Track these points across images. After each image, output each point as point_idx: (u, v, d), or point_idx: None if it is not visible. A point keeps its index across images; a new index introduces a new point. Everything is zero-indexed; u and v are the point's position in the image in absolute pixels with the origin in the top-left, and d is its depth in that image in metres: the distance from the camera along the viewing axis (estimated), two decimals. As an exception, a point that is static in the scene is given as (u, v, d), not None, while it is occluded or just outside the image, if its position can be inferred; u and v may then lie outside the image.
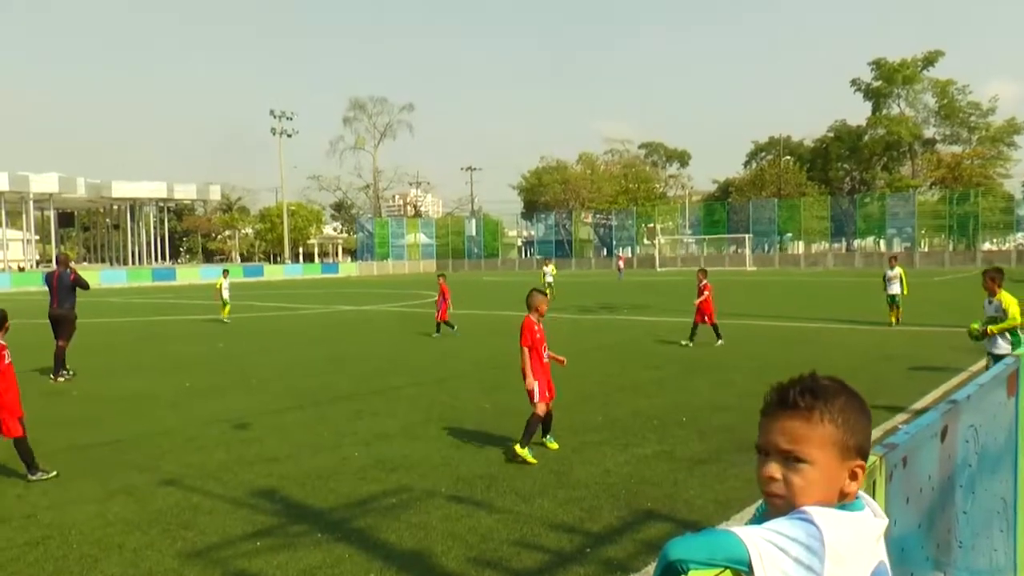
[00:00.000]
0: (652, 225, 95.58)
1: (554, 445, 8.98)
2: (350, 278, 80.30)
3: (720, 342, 17.88)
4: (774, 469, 1.71)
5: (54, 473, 8.45)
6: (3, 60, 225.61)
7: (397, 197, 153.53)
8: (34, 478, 8.33)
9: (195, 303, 40.23)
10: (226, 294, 27.96)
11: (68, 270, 15.94)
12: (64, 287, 15.70)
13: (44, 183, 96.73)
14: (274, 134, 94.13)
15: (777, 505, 1.70)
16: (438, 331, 21.51)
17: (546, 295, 9.21)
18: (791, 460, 1.70)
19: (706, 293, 18.40)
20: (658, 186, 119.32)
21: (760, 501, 2.02)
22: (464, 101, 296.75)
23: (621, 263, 65.15)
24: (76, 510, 7.32)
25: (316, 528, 6.59)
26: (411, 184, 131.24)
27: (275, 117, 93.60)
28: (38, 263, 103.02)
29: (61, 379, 15.20)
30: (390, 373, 15.28)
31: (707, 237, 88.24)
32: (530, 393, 8.72)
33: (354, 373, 15.43)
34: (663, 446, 9.01)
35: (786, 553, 1.55)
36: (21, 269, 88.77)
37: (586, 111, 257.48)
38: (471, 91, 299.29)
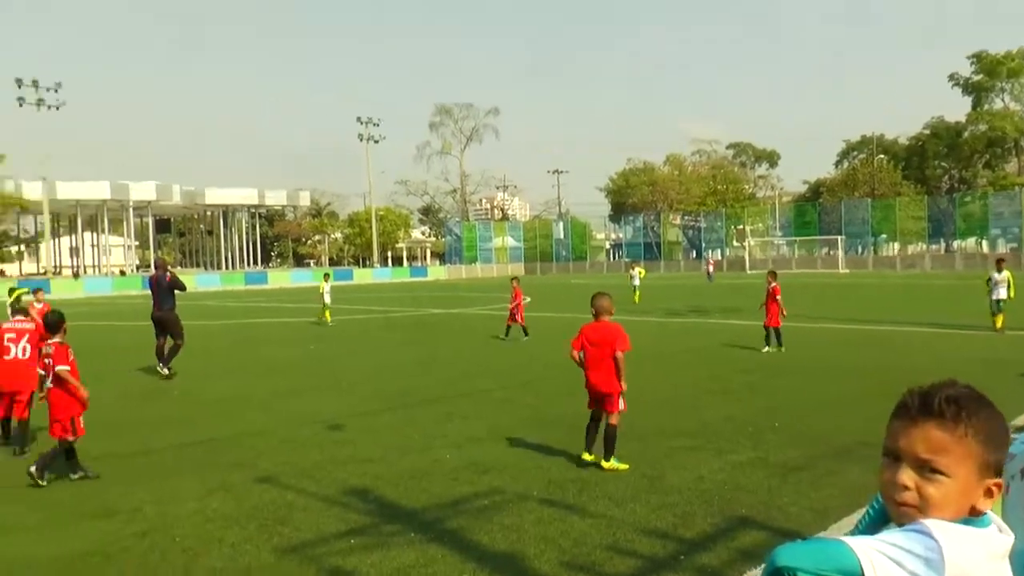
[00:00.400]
0: (741, 227, 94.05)
1: (591, 457, 8.49)
2: (438, 281, 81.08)
3: (781, 349, 17.31)
4: (908, 477, 1.62)
5: (96, 475, 8.62)
6: (105, 75, 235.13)
7: (484, 201, 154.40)
8: (75, 476, 8.53)
9: (286, 306, 41.17)
10: (327, 298, 28.09)
11: (166, 273, 16.50)
12: (163, 290, 16.26)
13: (142, 191, 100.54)
14: (361, 140, 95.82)
15: (906, 514, 1.61)
16: (507, 335, 21.42)
17: (608, 295, 8.86)
18: (928, 470, 1.61)
19: (776, 296, 17.76)
20: (747, 187, 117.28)
21: (864, 510, 1.95)
22: (550, 104, 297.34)
23: (711, 267, 63.91)
24: (178, 505, 7.55)
25: (409, 528, 6.65)
26: (498, 188, 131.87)
27: (362, 123, 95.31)
28: (137, 267, 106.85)
29: (165, 371, 15.81)
30: (478, 376, 15.36)
31: (798, 239, 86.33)
32: (619, 400, 8.44)
33: (442, 376, 15.57)
34: (757, 452, 8.84)
35: (901, 566, 1.47)
36: (122, 273, 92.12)
37: (673, 112, 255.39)
38: (557, 93, 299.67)
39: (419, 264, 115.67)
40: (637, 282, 36.70)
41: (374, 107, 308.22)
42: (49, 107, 75.64)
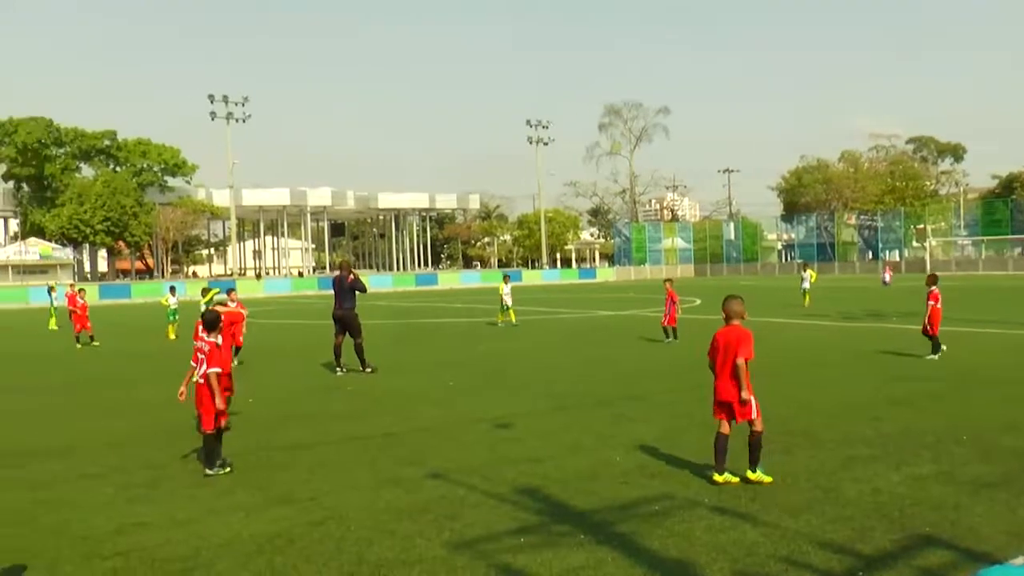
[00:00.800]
0: (922, 226, 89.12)
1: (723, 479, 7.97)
2: (607, 283, 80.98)
3: (935, 355, 16.48)
4: None
5: (228, 469, 8.91)
6: (283, 87, 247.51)
7: (653, 201, 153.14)
8: (211, 473, 8.82)
9: (455, 307, 42.20)
10: (508, 299, 28.09)
11: (349, 274, 17.30)
12: (344, 290, 17.05)
13: (319, 197, 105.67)
14: (531, 143, 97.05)
15: None
16: (667, 337, 21.15)
17: (740, 299, 8.45)
18: None
19: (933, 302, 16.92)
20: (928, 183, 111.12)
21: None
22: (720, 102, 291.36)
23: (888, 275, 58.47)
24: (352, 496, 7.92)
25: (579, 529, 6.71)
26: (667, 188, 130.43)
27: (531, 126, 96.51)
28: (314, 269, 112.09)
29: (368, 369, 16.61)
30: (646, 378, 15.30)
31: (986, 238, 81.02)
32: (753, 407, 7.97)
33: (611, 377, 15.59)
34: (940, 466, 8.40)
35: None
36: (300, 275, 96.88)
37: (848, 108, 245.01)
38: (726, 91, 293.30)
39: (588, 266, 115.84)
40: (807, 285, 35.33)
41: (544, 109, 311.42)
42: (237, 120, 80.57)
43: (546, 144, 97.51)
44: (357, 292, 17.13)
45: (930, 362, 16.13)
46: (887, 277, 56.18)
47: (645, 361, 17.82)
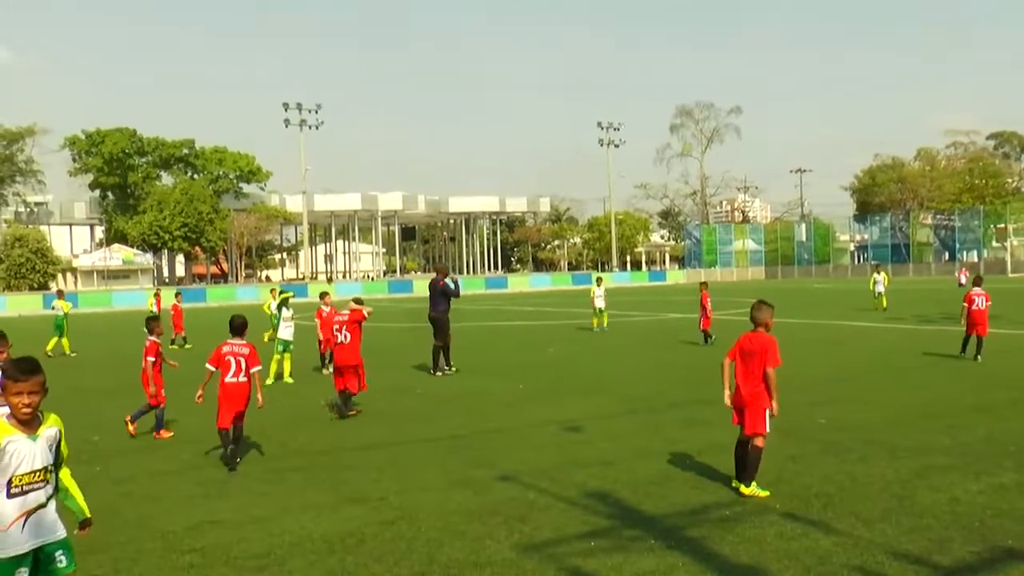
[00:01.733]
0: (1003, 225, 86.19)
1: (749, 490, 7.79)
2: (677, 285, 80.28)
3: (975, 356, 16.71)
4: None
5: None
6: (357, 96, 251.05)
7: (724, 203, 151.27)
8: (230, 470, 9.40)
9: (525, 310, 42.28)
10: (601, 302, 27.37)
11: (442, 278, 17.64)
12: (437, 293, 17.52)
13: (390, 201, 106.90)
14: (602, 145, 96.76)
15: None
16: (705, 341, 21.52)
17: (770, 306, 8.37)
18: None
19: (984, 302, 17.08)
20: (1010, 181, 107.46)
21: None
22: (792, 101, 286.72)
23: (963, 276, 55.83)
24: (422, 496, 8.01)
25: (649, 533, 6.69)
26: (738, 189, 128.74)
27: (602, 128, 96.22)
28: (384, 273, 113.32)
29: (449, 371, 17.10)
30: (717, 382, 14.99)
31: (1072, 238, 78.12)
32: (765, 420, 7.90)
33: (682, 381, 15.49)
34: (1023, 476, 8.15)
35: None
36: (372, 279, 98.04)
37: (924, 104, 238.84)
38: (799, 90, 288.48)
39: (658, 268, 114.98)
40: (881, 288, 33.88)
41: (615, 111, 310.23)
42: (310, 127, 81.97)
43: (617, 146, 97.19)
44: (450, 296, 17.51)
45: (1016, 368, 15.64)
46: (963, 279, 54.52)
47: (716, 364, 17.55)
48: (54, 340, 24.57)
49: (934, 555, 6.07)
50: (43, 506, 4.36)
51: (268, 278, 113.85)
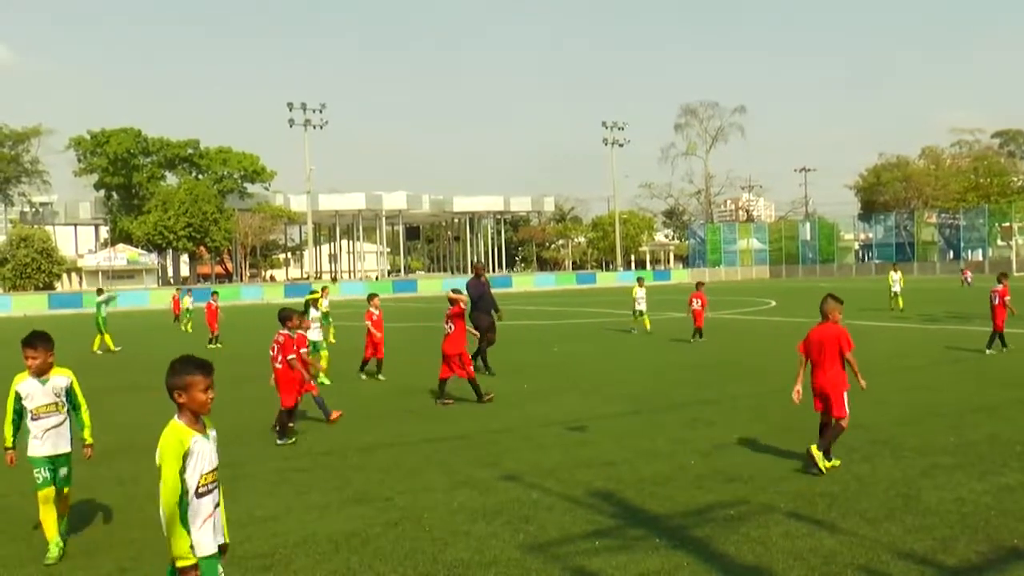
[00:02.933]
0: (1008, 224, 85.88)
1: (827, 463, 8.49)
2: (681, 285, 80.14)
3: (1005, 349, 17.50)
4: None
5: (292, 440, 10.69)
6: (362, 96, 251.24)
7: (729, 202, 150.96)
8: (281, 443, 10.59)
9: (527, 309, 42.27)
10: (642, 304, 25.17)
11: (478, 278, 17.52)
12: (486, 293, 17.33)
13: (394, 201, 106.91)
14: (606, 144, 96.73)
15: None
16: (700, 336, 22.14)
17: (838, 300, 9.00)
18: None
19: (1004, 299, 17.67)
20: (1015, 179, 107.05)
21: None
22: (796, 100, 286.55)
23: (968, 276, 55.22)
24: (427, 497, 8.02)
25: (654, 533, 6.69)
26: (743, 188, 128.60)
27: (607, 128, 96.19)
28: (388, 272, 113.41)
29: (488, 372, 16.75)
30: (725, 381, 15.09)
31: (1078, 237, 77.80)
32: (844, 403, 8.66)
33: (687, 380, 15.47)
34: (1029, 475, 8.12)
35: None
36: (376, 279, 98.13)
37: (929, 103, 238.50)
38: (803, 89, 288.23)
39: (663, 267, 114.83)
40: (898, 288, 33.09)
41: (619, 111, 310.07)
42: (314, 126, 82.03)
43: (621, 146, 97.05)
44: (473, 299, 17.09)
45: (1018, 368, 15.61)
46: (969, 277, 54.51)
47: (720, 364, 17.60)
48: (98, 338, 25.44)
49: (939, 555, 6.07)
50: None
51: (272, 278, 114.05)
